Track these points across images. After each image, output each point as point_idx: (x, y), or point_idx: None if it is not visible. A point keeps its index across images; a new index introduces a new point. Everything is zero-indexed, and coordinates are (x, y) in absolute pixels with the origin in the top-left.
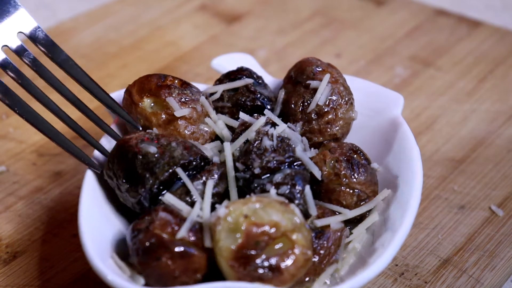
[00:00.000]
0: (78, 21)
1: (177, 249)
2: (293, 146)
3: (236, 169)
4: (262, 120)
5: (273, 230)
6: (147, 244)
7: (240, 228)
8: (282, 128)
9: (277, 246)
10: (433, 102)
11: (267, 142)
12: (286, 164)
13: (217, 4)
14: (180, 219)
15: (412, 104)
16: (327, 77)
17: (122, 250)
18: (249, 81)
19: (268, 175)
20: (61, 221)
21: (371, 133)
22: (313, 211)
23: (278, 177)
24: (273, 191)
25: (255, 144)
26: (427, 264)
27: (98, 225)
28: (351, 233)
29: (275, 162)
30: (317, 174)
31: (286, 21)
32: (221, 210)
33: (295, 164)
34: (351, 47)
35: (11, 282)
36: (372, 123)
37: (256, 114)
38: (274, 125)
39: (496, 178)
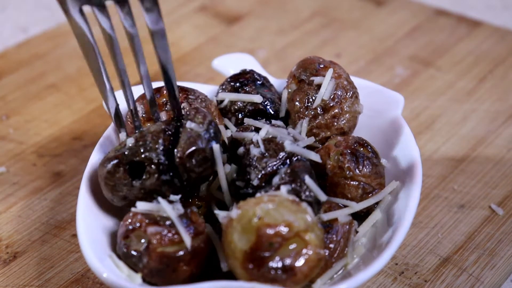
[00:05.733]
0: None
1: (188, 254)
2: (281, 142)
3: (239, 187)
4: (249, 135)
5: (286, 230)
6: (159, 266)
7: (253, 230)
8: (265, 129)
9: (290, 247)
10: (433, 102)
11: (255, 151)
12: (280, 163)
13: (217, 4)
14: (169, 224)
15: (412, 104)
16: (330, 72)
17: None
18: (257, 100)
19: (268, 179)
20: (61, 221)
21: (372, 133)
22: (322, 196)
23: (276, 180)
24: (283, 188)
25: (245, 157)
26: (427, 263)
27: (96, 224)
28: (356, 232)
29: (269, 166)
30: (316, 158)
31: (286, 21)
32: (234, 211)
33: (290, 159)
34: (351, 47)
35: (11, 282)
36: (372, 123)
37: (259, 118)
38: (257, 130)
39: (496, 177)
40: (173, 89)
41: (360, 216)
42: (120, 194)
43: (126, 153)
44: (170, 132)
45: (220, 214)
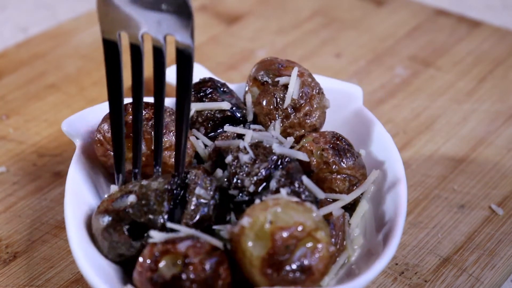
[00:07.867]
0: (78, 22)
1: (224, 256)
2: (268, 146)
3: (233, 196)
4: (235, 142)
5: (299, 231)
6: (206, 273)
7: (267, 235)
8: (249, 135)
9: (304, 247)
10: (433, 102)
11: (244, 157)
12: (273, 166)
13: (217, 4)
14: (192, 238)
15: (412, 104)
16: (295, 70)
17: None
18: (226, 106)
19: (264, 184)
20: (61, 221)
21: (338, 127)
22: (320, 194)
23: (273, 184)
24: (283, 191)
25: (236, 164)
26: (427, 263)
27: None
28: (349, 224)
29: (262, 171)
30: (304, 157)
31: (286, 21)
32: (245, 219)
33: (281, 161)
34: (351, 47)
35: (11, 282)
36: (337, 117)
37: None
38: (240, 136)
39: (496, 178)
40: (181, 139)
41: (347, 209)
42: (117, 252)
43: (127, 211)
44: (174, 192)
45: (223, 228)
